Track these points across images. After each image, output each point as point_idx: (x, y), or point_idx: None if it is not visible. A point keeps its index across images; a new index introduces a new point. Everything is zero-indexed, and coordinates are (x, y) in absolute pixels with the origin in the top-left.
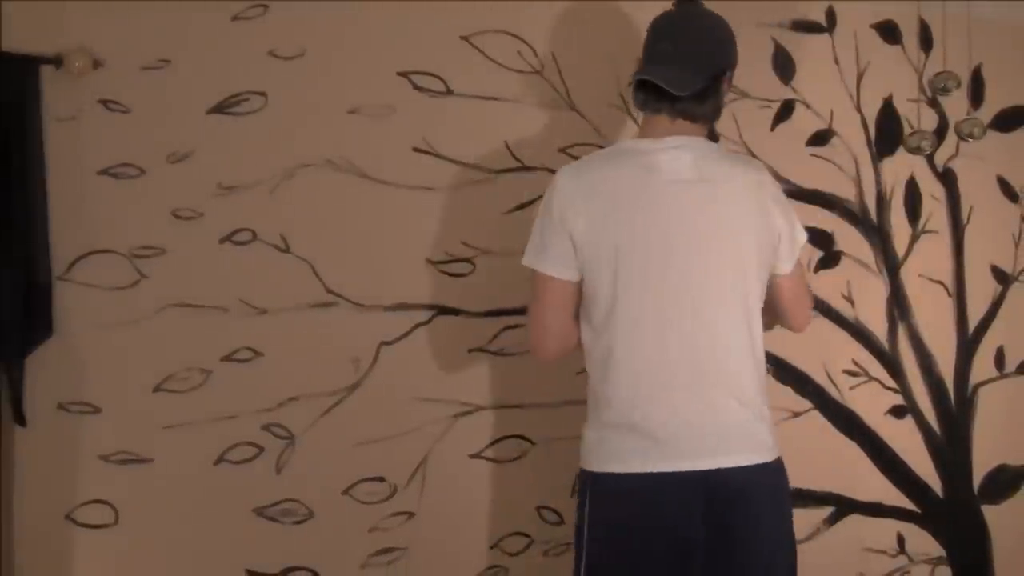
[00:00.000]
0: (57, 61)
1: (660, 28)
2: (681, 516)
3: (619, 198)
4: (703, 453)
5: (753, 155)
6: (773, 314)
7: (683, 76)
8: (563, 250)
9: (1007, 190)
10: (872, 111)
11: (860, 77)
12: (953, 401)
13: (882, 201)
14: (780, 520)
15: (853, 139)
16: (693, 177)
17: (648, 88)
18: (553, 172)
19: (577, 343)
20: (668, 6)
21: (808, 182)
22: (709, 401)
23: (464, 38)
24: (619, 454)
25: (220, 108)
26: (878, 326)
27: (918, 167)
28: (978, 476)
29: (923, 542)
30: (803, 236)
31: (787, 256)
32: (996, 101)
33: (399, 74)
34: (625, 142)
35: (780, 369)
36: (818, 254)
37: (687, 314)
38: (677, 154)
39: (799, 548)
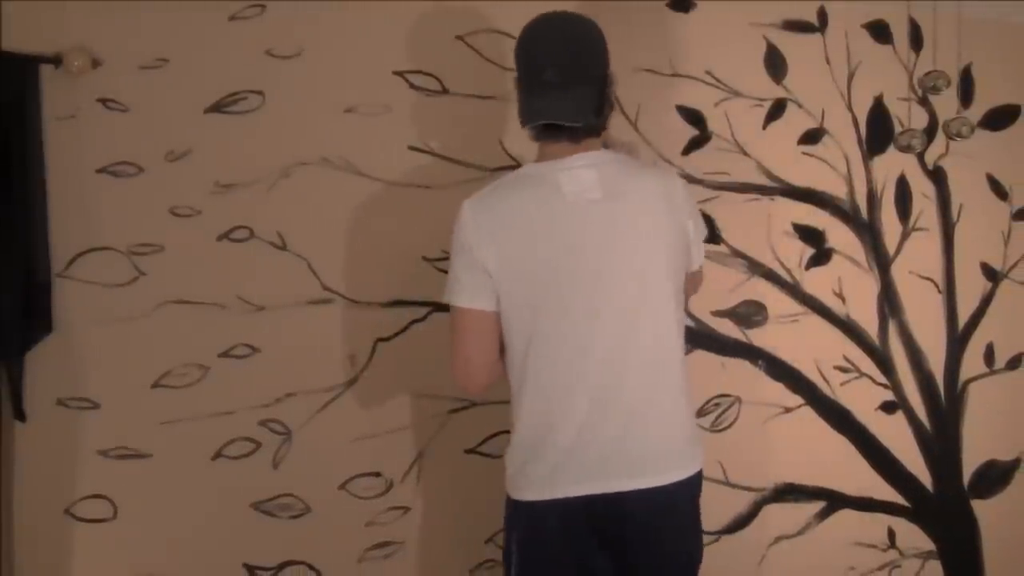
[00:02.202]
0: (56, 60)
1: (535, 52)
2: (589, 539)
3: (526, 226)
4: (616, 475)
5: (745, 154)
6: None
7: (578, 105)
8: (479, 282)
9: (997, 188)
10: (863, 110)
11: (851, 76)
12: (943, 397)
13: (873, 199)
14: (684, 537)
15: (844, 138)
16: (598, 196)
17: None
18: None
19: (502, 374)
20: (660, 7)
21: (800, 180)
22: (624, 424)
23: (459, 38)
24: (535, 481)
25: (218, 107)
26: (869, 323)
27: (909, 165)
28: (968, 471)
29: (914, 537)
30: (704, 230)
31: (697, 256)
32: (985, 100)
33: (395, 73)
34: (527, 167)
35: (772, 365)
36: (810, 251)
37: (605, 336)
38: (580, 174)
39: (790, 543)
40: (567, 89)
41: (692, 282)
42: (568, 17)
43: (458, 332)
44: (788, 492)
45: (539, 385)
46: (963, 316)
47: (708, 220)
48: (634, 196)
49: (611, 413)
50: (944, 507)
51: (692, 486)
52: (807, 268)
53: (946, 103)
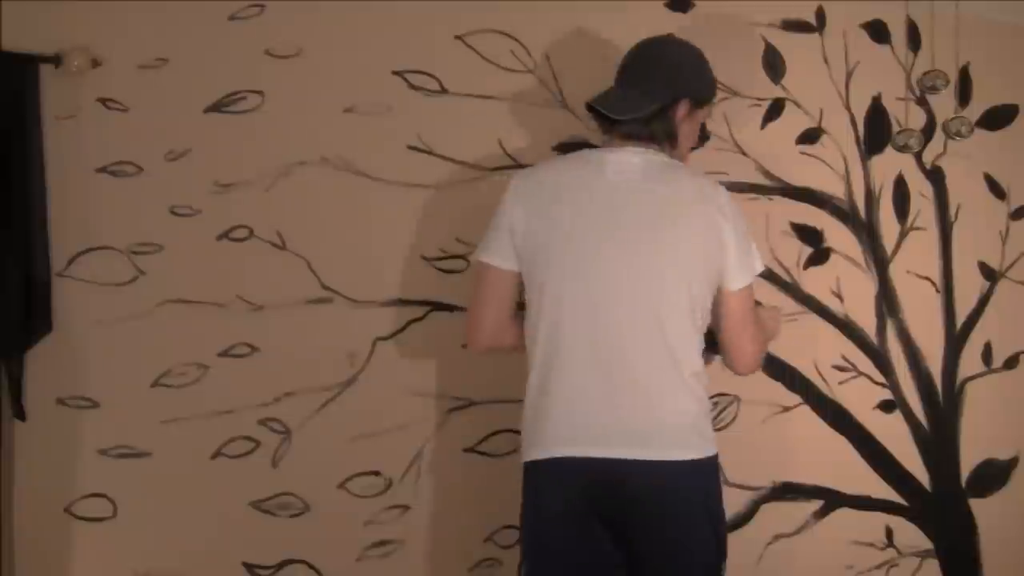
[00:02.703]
0: (56, 60)
1: (627, 56)
2: (589, 510)
3: (560, 190)
4: (614, 442)
5: (743, 153)
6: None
7: (626, 102)
8: (502, 240)
9: (994, 188)
10: (861, 110)
11: (849, 76)
12: (941, 396)
13: (871, 198)
14: (691, 527)
15: (842, 137)
16: (638, 179)
17: (599, 111)
18: None
19: (514, 343)
20: (658, 7)
21: (798, 180)
22: (628, 394)
23: (459, 38)
24: (536, 441)
25: (217, 107)
26: (867, 322)
27: (906, 165)
28: (966, 470)
29: (911, 535)
30: (759, 264)
31: (735, 274)
32: (983, 99)
33: (394, 73)
34: (583, 151)
35: (769, 364)
36: (808, 251)
37: (617, 306)
38: (628, 157)
39: (788, 542)
40: (625, 88)
41: (737, 311)
42: (666, 40)
43: (476, 290)
44: (786, 491)
45: (548, 344)
46: (961, 315)
47: None
48: (671, 190)
49: (615, 382)
50: (942, 506)
51: (698, 473)
52: (805, 267)
53: (944, 103)
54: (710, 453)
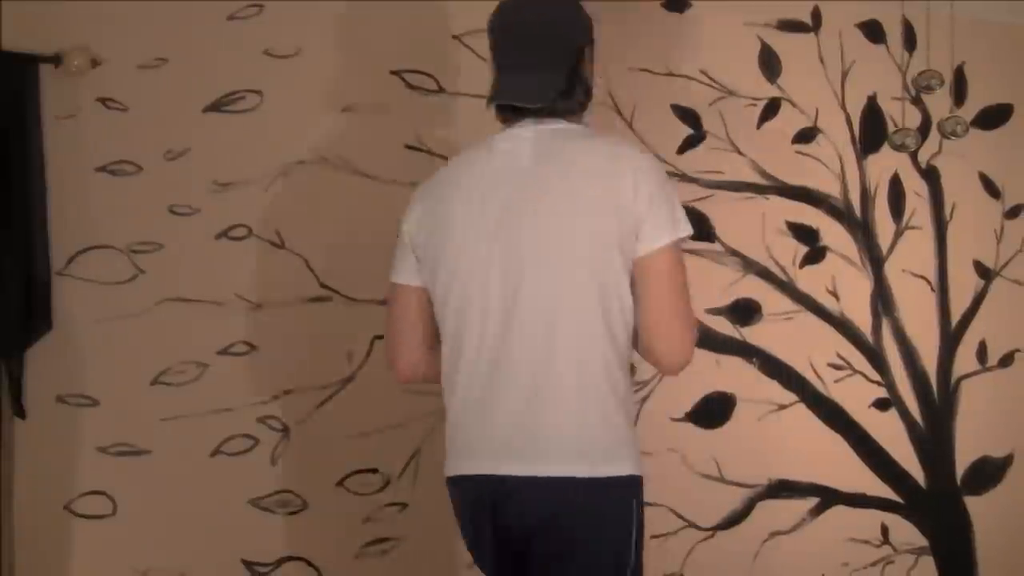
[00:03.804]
0: (56, 60)
1: (500, 31)
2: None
3: (450, 189)
4: (509, 457)
5: (740, 152)
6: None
7: (539, 85)
8: (403, 255)
9: (989, 187)
10: (857, 109)
11: (845, 76)
12: (936, 394)
13: (867, 197)
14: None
15: (838, 137)
16: (527, 162)
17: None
18: None
19: (434, 372)
20: (656, 7)
21: (794, 179)
22: (525, 403)
23: (456, 37)
24: (455, 456)
25: (216, 106)
26: (863, 320)
27: (902, 164)
28: (961, 467)
29: (907, 532)
30: (685, 224)
31: (650, 233)
32: (979, 99)
33: (392, 73)
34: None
35: (766, 363)
36: (804, 250)
37: (515, 308)
38: (516, 134)
39: (784, 539)
40: (528, 69)
41: (656, 284)
42: None
43: (389, 310)
44: (782, 488)
45: (453, 357)
46: (956, 314)
47: (703, 218)
48: (565, 164)
49: (512, 388)
50: (937, 503)
51: (599, 495)
52: (801, 266)
53: (939, 102)
54: (620, 473)
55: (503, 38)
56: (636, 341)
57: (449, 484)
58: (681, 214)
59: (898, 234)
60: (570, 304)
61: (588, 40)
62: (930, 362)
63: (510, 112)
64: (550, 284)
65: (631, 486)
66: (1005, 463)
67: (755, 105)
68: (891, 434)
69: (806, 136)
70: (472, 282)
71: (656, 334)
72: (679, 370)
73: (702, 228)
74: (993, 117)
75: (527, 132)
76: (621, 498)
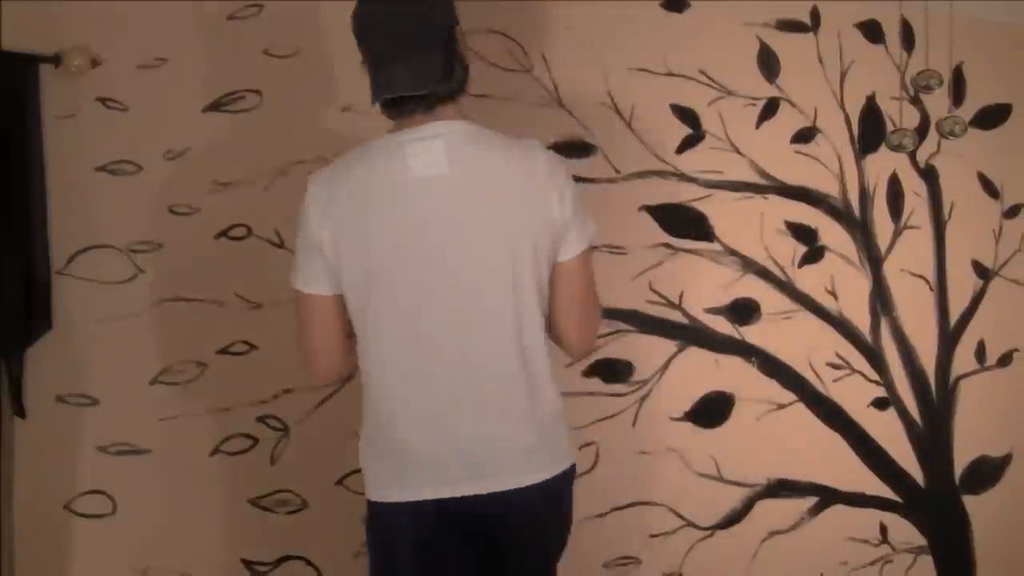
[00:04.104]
0: (56, 60)
1: (365, 27)
2: (443, 542)
3: (364, 202)
4: (467, 477)
5: (738, 152)
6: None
7: (419, 71)
8: (315, 265)
9: (988, 186)
10: (855, 109)
11: (843, 75)
12: (935, 393)
13: (865, 197)
14: (548, 536)
15: (837, 136)
16: (444, 171)
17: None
18: None
19: (354, 361)
20: (654, 6)
21: (793, 179)
22: (473, 420)
23: None
24: (380, 482)
25: (216, 106)
26: (861, 320)
27: (901, 164)
28: (959, 467)
29: (905, 531)
30: (591, 227)
31: (571, 241)
32: (977, 99)
33: None
34: (381, 138)
35: (765, 362)
36: (802, 249)
37: (445, 323)
38: (428, 145)
39: (783, 538)
40: (402, 57)
41: (569, 283)
42: None
43: (298, 316)
44: (781, 488)
45: (378, 373)
46: (954, 313)
47: (702, 218)
48: (483, 172)
49: (456, 408)
50: (936, 502)
51: (554, 488)
52: (800, 266)
53: (938, 102)
54: (564, 463)
55: (370, 33)
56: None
57: (390, 510)
58: (590, 220)
59: (897, 234)
60: (509, 315)
61: (456, 20)
62: (929, 361)
63: (394, 106)
64: (484, 296)
65: (572, 475)
66: (1003, 462)
67: (754, 105)
68: (890, 433)
69: (805, 136)
70: (402, 295)
71: (573, 324)
72: (589, 352)
73: (701, 228)
74: (992, 117)
75: (437, 140)
76: (563, 488)
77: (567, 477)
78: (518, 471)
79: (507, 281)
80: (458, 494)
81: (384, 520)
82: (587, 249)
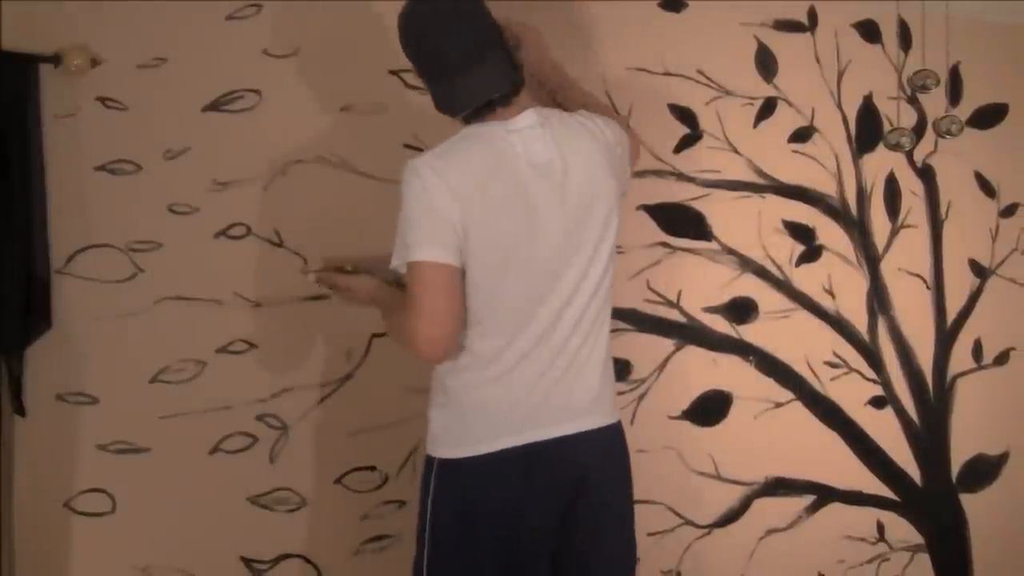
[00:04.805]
0: (56, 59)
1: (427, 38)
2: (526, 493)
3: (489, 188)
4: (551, 422)
5: (736, 151)
6: None
7: (500, 73)
8: (450, 239)
9: (984, 185)
10: (853, 108)
11: (841, 75)
12: (932, 392)
13: (862, 196)
14: (625, 485)
15: (834, 136)
16: (550, 155)
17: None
18: None
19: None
20: (652, 6)
21: (790, 178)
22: (568, 376)
23: None
24: (467, 436)
25: (215, 105)
26: (858, 319)
27: (898, 163)
28: (956, 465)
29: (902, 530)
30: (628, 137)
31: (628, 154)
32: (974, 98)
33: (391, 72)
34: (474, 127)
35: (762, 361)
36: (800, 248)
37: (553, 294)
38: (534, 134)
39: (781, 536)
40: (481, 63)
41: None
42: None
43: (427, 291)
44: (778, 486)
45: (495, 342)
46: (951, 312)
47: (700, 217)
48: (582, 150)
49: (557, 367)
50: (933, 501)
51: (620, 433)
52: (797, 265)
53: (935, 102)
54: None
55: (430, 47)
56: None
57: (465, 465)
58: (626, 136)
59: (894, 233)
60: (599, 283)
61: (495, 18)
62: (926, 360)
63: (475, 110)
64: (587, 265)
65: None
66: (1000, 461)
67: (752, 104)
68: (887, 432)
69: (802, 135)
70: (528, 276)
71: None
72: None
73: (699, 227)
74: (988, 116)
75: (536, 132)
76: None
77: (621, 429)
78: (594, 412)
79: (603, 248)
80: (548, 437)
81: (459, 477)
82: (628, 129)
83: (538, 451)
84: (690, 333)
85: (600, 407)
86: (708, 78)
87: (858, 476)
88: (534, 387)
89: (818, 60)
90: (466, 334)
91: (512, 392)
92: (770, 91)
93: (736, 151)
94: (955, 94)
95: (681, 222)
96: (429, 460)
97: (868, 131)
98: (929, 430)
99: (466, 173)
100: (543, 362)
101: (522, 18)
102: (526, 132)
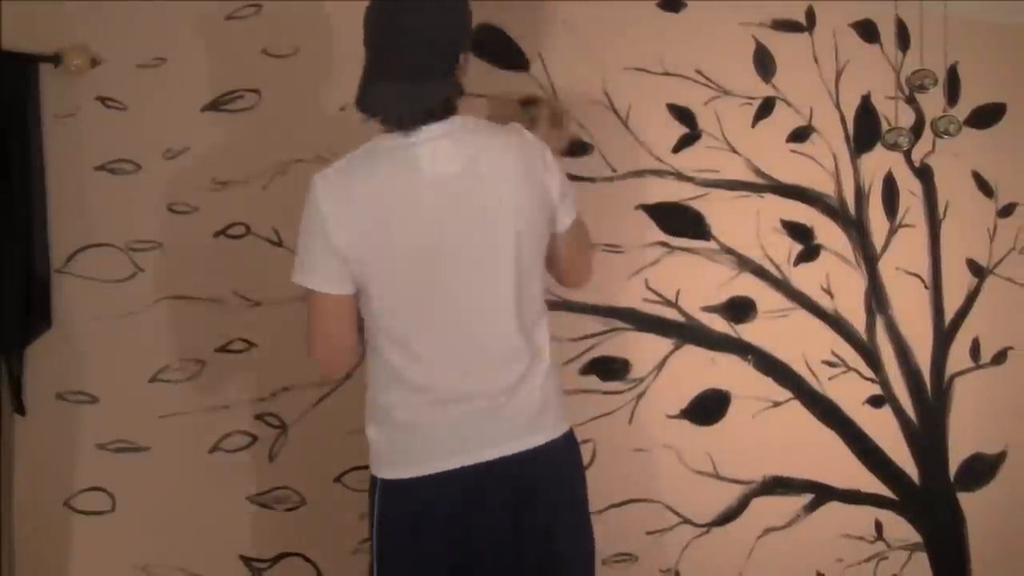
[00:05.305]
0: (56, 59)
1: (381, 29)
2: (471, 513)
3: (384, 205)
4: (490, 443)
5: (735, 151)
6: (550, 267)
7: (416, 101)
8: (334, 267)
9: (982, 185)
10: (851, 108)
11: (839, 75)
12: (930, 391)
13: (860, 196)
14: (575, 496)
15: (832, 136)
16: (456, 170)
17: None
18: None
19: (362, 355)
20: (651, 6)
21: (788, 177)
22: (501, 394)
23: None
24: (408, 457)
25: (215, 105)
26: (857, 318)
27: (896, 163)
28: (954, 464)
29: (900, 529)
30: (570, 186)
31: (565, 213)
32: (971, 98)
33: None
34: (381, 139)
35: (761, 360)
36: (798, 248)
37: (465, 311)
38: (438, 145)
39: (779, 535)
40: (406, 81)
41: (573, 237)
42: None
43: (316, 315)
44: (777, 485)
45: (400, 360)
46: (949, 311)
47: (698, 217)
48: (490, 163)
49: (477, 382)
50: (931, 500)
51: (567, 442)
52: (795, 264)
53: (933, 101)
54: (564, 427)
55: (384, 38)
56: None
57: (409, 486)
58: (567, 182)
59: (892, 232)
60: (512, 296)
61: (470, 45)
62: (924, 359)
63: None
64: (495, 280)
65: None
66: (998, 460)
67: (750, 104)
68: (885, 431)
69: (800, 135)
70: (433, 295)
71: (572, 270)
72: (582, 286)
73: (697, 226)
74: (986, 116)
75: (444, 139)
76: (573, 450)
77: (570, 438)
78: (536, 430)
79: (512, 264)
80: (489, 458)
81: (404, 497)
82: (577, 217)
83: (480, 472)
84: (689, 332)
85: (542, 421)
86: (707, 78)
87: (856, 475)
88: (466, 407)
89: (816, 60)
90: (388, 354)
91: (447, 412)
92: (768, 91)
93: (735, 151)
94: (953, 94)
95: (680, 222)
96: (372, 479)
97: (866, 131)
98: (927, 429)
99: (361, 195)
100: (472, 381)
101: (521, 17)
102: (433, 143)
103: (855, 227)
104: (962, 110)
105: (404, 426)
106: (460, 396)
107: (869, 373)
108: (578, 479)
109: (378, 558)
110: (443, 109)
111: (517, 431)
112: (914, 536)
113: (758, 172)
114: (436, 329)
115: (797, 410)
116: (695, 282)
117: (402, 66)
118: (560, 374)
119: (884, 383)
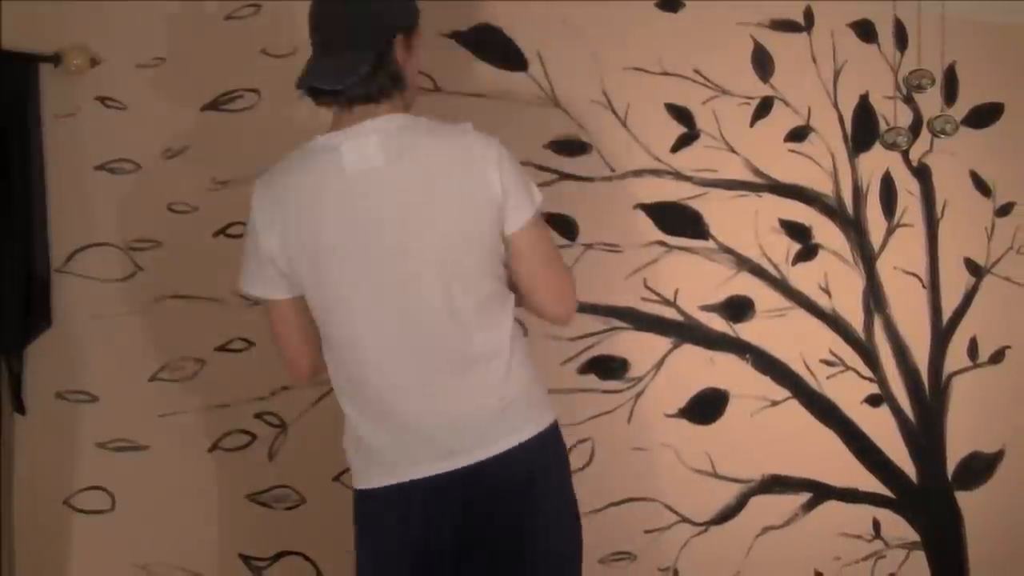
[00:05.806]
0: (56, 59)
1: (315, 9)
2: (436, 523)
3: (311, 207)
4: (454, 451)
5: (733, 151)
6: (514, 289)
7: (337, 67)
8: (267, 272)
9: (980, 185)
10: (849, 108)
11: (837, 75)
12: (927, 390)
13: (858, 195)
14: (560, 495)
15: (830, 135)
16: (379, 163)
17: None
18: (539, 168)
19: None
20: (649, 6)
21: (786, 177)
22: (452, 399)
23: (452, 35)
24: (371, 468)
25: (214, 105)
26: (854, 317)
27: (893, 162)
28: (952, 463)
29: (898, 527)
30: (537, 196)
31: (514, 214)
32: (969, 98)
33: None
34: (316, 139)
35: (759, 359)
36: (796, 247)
37: (399, 314)
38: (363, 141)
39: (777, 534)
40: (332, 51)
41: (530, 245)
42: None
43: (270, 319)
44: (775, 484)
45: (347, 367)
46: (947, 311)
47: (697, 216)
48: (419, 160)
49: (425, 389)
50: (928, 498)
51: (541, 444)
52: (794, 263)
53: (930, 101)
54: (537, 425)
55: (317, 17)
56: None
57: (378, 495)
58: (534, 188)
59: (890, 232)
60: (443, 297)
61: (408, 25)
62: (921, 359)
63: (325, 96)
64: (428, 283)
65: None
66: (995, 458)
67: (748, 104)
68: (883, 430)
69: (799, 135)
70: (364, 298)
71: (544, 296)
72: (569, 320)
73: (696, 226)
74: (984, 116)
75: (373, 135)
76: (547, 450)
77: (546, 436)
78: (498, 437)
79: (447, 263)
80: (455, 467)
81: (368, 506)
82: (535, 217)
83: (447, 479)
84: (687, 331)
85: (504, 425)
86: (705, 78)
87: (854, 474)
88: (422, 415)
89: (814, 60)
90: (335, 364)
91: (407, 421)
92: (767, 91)
93: (733, 150)
94: (950, 94)
95: (678, 221)
96: (353, 491)
97: (864, 130)
98: (925, 428)
99: (288, 196)
100: (421, 388)
101: (520, 17)
102: (359, 139)
103: (853, 226)
104: (960, 110)
105: (363, 439)
106: (411, 408)
107: (867, 372)
108: (555, 478)
109: (359, 567)
110: (377, 91)
111: (482, 438)
112: (912, 535)
113: (756, 172)
114: (374, 333)
115: (795, 409)
116: (693, 281)
117: (326, 41)
118: (531, 373)
119: (882, 382)
